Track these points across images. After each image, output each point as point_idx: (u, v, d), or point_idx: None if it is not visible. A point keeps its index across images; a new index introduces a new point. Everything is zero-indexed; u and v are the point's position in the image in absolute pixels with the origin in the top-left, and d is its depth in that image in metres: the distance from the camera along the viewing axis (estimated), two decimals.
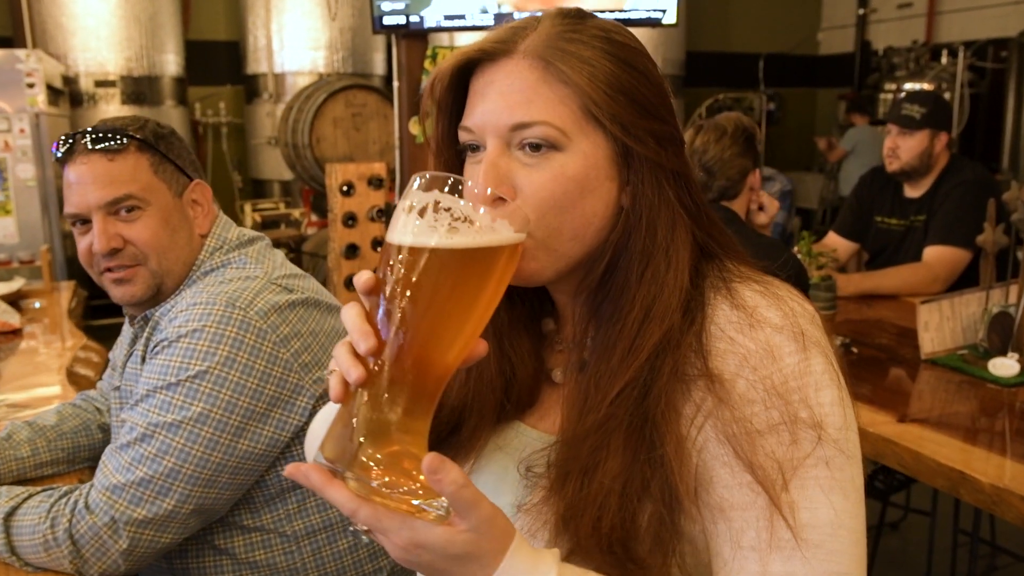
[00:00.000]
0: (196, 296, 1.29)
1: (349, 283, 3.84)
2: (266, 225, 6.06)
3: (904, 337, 2.38)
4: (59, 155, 1.34)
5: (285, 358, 1.28)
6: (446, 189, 0.65)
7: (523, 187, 0.74)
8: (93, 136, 1.33)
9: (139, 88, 6.35)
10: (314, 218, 6.22)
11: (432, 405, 0.66)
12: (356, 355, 0.64)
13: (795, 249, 2.65)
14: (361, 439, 0.62)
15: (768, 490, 0.69)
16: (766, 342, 0.73)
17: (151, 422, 1.21)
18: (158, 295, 1.38)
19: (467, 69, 0.80)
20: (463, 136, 0.79)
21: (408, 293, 0.63)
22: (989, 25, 7.61)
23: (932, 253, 2.87)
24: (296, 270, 1.46)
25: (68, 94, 5.94)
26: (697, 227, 0.79)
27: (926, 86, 7.27)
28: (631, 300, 0.76)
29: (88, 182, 1.32)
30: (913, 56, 7.69)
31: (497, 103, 0.75)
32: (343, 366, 0.64)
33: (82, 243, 1.36)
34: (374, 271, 0.67)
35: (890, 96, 7.60)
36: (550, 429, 0.82)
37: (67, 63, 6.05)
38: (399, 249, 0.64)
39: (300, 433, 1.31)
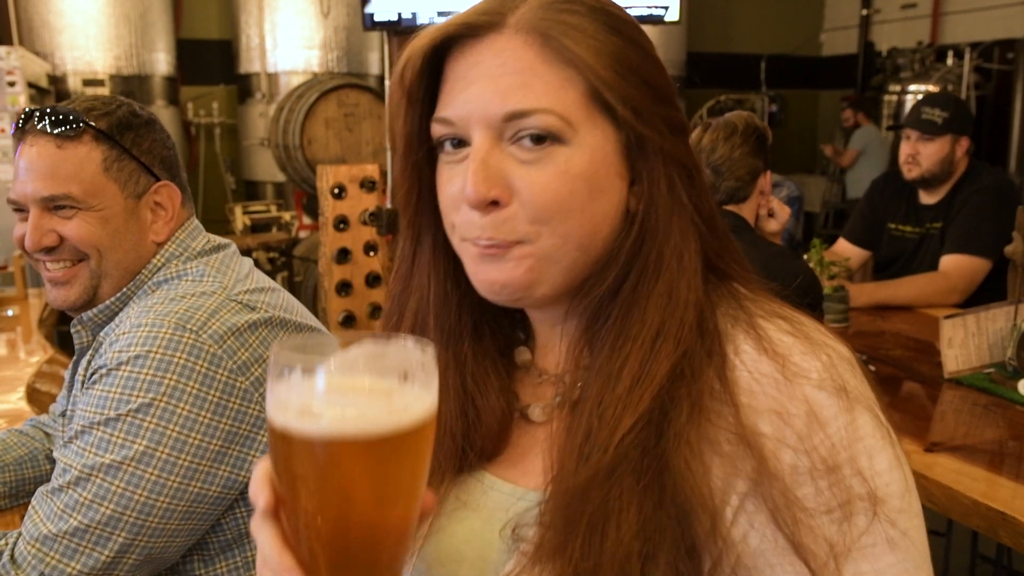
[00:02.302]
0: (142, 316, 1.14)
1: (340, 289, 3.72)
2: (257, 228, 5.91)
3: (922, 352, 2.25)
4: (14, 129, 1.22)
5: (244, 387, 1.13)
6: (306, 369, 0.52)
7: (521, 189, 0.62)
8: (51, 118, 1.19)
9: (129, 87, 6.19)
10: (306, 221, 6.08)
11: (398, 566, 0.55)
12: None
13: (805, 257, 2.52)
14: None
15: None
16: (807, 403, 0.61)
17: (86, 463, 1.06)
18: (94, 299, 1.24)
19: (444, 49, 0.66)
20: (438, 130, 0.65)
21: (313, 505, 0.52)
22: (995, 26, 7.47)
23: (949, 262, 2.74)
24: (264, 282, 1.30)
25: (55, 93, 5.79)
26: (710, 234, 0.67)
27: (931, 88, 7.14)
28: (641, 317, 0.63)
29: (31, 170, 1.19)
30: (918, 57, 7.54)
31: (486, 88, 0.62)
32: None
33: (17, 231, 1.23)
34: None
35: (894, 98, 7.46)
36: (524, 479, 0.69)
37: (54, 62, 5.91)
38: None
39: None
